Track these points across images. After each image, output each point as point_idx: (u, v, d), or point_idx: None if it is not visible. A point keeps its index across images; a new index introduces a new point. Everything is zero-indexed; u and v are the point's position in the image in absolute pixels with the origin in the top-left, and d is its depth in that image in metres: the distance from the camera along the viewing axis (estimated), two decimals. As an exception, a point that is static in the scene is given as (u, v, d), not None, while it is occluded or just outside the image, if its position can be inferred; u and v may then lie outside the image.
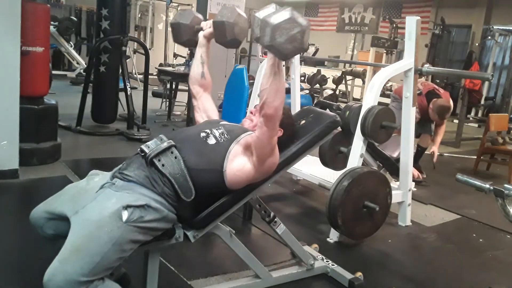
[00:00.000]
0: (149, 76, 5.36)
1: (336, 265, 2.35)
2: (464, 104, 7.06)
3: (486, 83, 9.13)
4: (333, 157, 3.32)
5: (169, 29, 11.25)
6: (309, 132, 1.98)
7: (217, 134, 1.74)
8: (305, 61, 8.62)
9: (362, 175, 2.63)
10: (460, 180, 1.50)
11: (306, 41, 1.45)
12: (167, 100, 6.34)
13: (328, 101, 6.13)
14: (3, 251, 2.28)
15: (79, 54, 9.58)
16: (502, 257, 2.93)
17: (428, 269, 2.65)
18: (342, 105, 3.64)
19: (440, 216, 3.57)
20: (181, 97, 6.66)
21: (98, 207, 1.47)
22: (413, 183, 3.47)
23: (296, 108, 3.96)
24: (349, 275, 2.26)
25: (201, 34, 2.00)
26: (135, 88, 7.41)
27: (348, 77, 9.25)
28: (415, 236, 3.12)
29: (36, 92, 3.55)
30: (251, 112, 1.96)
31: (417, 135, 3.76)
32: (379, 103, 2.95)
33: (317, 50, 9.79)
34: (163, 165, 1.59)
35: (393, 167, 3.31)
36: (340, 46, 12.84)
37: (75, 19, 9.29)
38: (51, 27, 7.01)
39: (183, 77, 5.70)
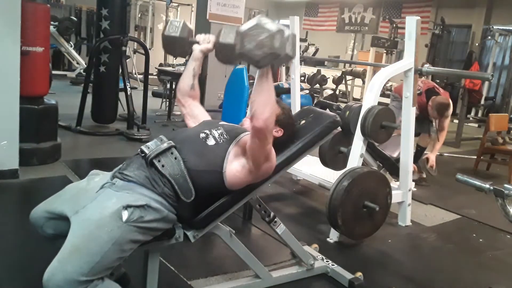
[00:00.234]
0: (149, 76, 5.36)
1: (336, 265, 2.35)
2: (464, 104, 7.07)
3: (486, 83, 9.13)
4: (333, 157, 3.32)
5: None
6: (309, 132, 1.98)
7: (216, 135, 1.74)
8: (305, 61, 8.65)
9: (362, 175, 2.63)
10: (460, 180, 1.50)
11: (279, 46, 1.43)
12: (167, 100, 6.34)
13: (328, 101, 6.15)
14: (3, 251, 2.28)
15: (79, 54, 9.58)
16: (502, 257, 2.93)
17: (428, 269, 2.65)
18: (342, 105, 3.65)
19: (440, 216, 3.57)
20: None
21: (99, 207, 1.47)
22: (413, 183, 3.47)
23: (296, 108, 3.96)
24: (349, 275, 2.26)
25: (197, 48, 1.90)
26: (135, 88, 7.41)
27: (348, 77, 9.26)
28: (415, 236, 3.12)
29: (36, 92, 3.55)
30: None
31: (416, 134, 3.76)
32: (379, 103, 2.95)
33: (317, 50, 9.81)
34: (163, 166, 1.59)
35: (393, 167, 3.31)
36: (340, 46, 12.85)
37: (75, 19, 9.29)
38: (51, 27, 7.01)
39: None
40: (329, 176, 3.37)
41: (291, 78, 4.16)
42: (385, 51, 9.29)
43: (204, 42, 1.89)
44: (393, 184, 3.23)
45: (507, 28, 9.32)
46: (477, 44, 10.10)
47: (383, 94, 5.39)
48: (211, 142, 1.71)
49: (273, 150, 1.72)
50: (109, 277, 1.48)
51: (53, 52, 8.90)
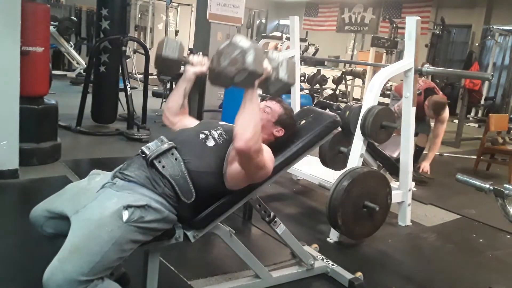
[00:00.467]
0: (149, 76, 5.36)
1: (336, 265, 2.35)
2: (464, 104, 7.06)
3: (486, 83, 9.14)
4: (333, 157, 3.32)
5: (169, 29, 11.36)
6: (309, 132, 1.98)
7: (216, 135, 1.74)
8: (305, 61, 8.65)
9: (362, 175, 2.63)
10: (460, 180, 1.49)
11: (252, 62, 1.44)
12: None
13: (328, 101, 6.15)
14: (3, 251, 2.28)
15: (79, 54, 9.57)
16: (502, 257, 2.93)
17: (428, 269, 2.65)
18: (342, 105, 3.65)
19: (440, 216, 3.57)
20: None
21: (99, 207, 1.47)
22: (413, 183, 3.47)
23: (296, 108, 3.96)
24: (349, 275, 2.26)
25: (190, 70, 1.85)
26: (135, 88, 7.40)
27: (348, 77, 9.26)
28: (415, 236, 3.12)
29: (36, 92, 3.55)
30: None
31: (415, 134, 3.75)
32: (379, 103, 2.95)
33: (317, 50, 9.82)
34: (163, 167, 1.59)
35: (393, 167, 3.31)
36: (340, 46, 12.85)
37: (75, 19, 9.28)
38: (51, 27, 7.00)
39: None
40: (329, 176, 3.37)
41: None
42: (385, 51, 9.29)
43: (198, 64, 1.85)
44: (393, 184, 3.23)
45: (507, 28, 9.32)
46: (477, 44, 10.11)
47: (383, 94, 5.40)
48: (210, 143, 1.71)
49: (269, 154, 1.71)
50: (109, 277, 1.48)
51: (53, 52, 8.89)
